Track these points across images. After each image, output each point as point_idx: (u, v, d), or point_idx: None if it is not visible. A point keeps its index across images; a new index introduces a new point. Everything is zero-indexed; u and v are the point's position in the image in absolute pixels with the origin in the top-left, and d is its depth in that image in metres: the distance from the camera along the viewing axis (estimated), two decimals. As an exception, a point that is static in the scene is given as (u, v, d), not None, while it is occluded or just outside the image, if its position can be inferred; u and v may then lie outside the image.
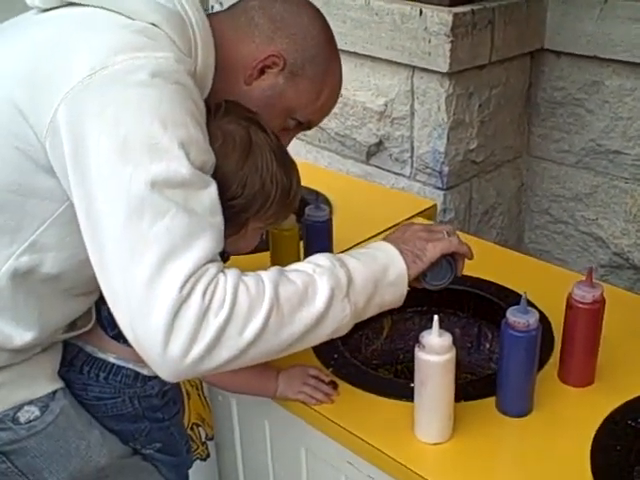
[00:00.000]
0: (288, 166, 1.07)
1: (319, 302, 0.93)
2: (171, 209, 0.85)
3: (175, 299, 0.83)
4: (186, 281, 0.84)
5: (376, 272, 1.00)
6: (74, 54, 0.89)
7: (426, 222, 1.65)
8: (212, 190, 0.91)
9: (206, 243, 0.87)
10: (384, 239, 1.09)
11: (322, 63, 1.11)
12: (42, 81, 0.90)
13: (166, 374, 0.88)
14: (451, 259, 1.10)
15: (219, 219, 0.91)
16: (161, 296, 0.83)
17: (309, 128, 1.18)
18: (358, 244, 1.54)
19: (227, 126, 1.01)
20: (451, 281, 1.12)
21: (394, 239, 1.07)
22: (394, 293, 1.03)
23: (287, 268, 0.96)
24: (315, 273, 0.94)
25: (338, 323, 0.96)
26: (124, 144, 0.85)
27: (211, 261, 0.87)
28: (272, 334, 0.89)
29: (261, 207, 1.03)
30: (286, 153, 1.09)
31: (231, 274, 0.88)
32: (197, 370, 0.87)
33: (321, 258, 0.98)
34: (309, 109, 1.13)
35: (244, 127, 1.03)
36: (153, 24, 0.94)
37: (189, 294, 0.84)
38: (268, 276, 0.91)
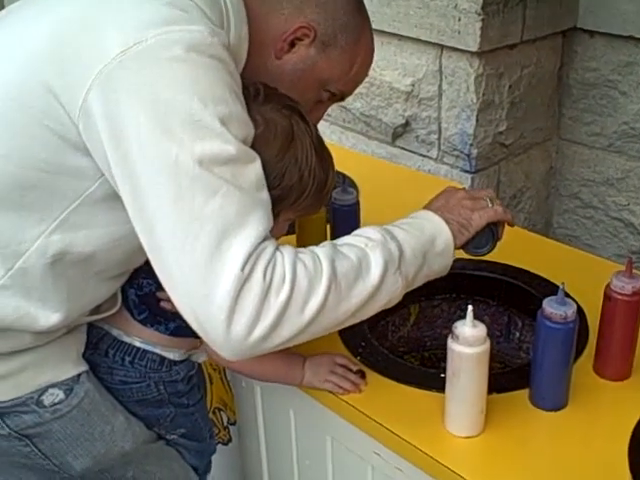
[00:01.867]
0: (325, 159, 1.04)
1: (373, 276, 0.92)
2: (222, 187, 0.84)
3: (237, 279, 0.82)
4: (247, 260, 0.83)
5: (425, 243, 1.00)
6: (105, 30, 0.86)
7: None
8: (257, 164, 0.90)
9: (259, 219, 0.86)
10: (428, 207, 1.08)
11: (354, 31, 1.07)
12: (73, 59, 0.86)
13: (229, 354, 0.88)
14: (493, 226, 1.09)
15: (266, 194, 0.90)
16: (223, 276, 0.82)
17: (342, 99, 1.15)
18: (385, 228, 1.51)
19: (269, 114, 0.97)
20: (494, 248, 1.12)
21: (439, 207, 1.07)
22: (441, 263, 1.03)
23: (338, 242, 0.96)
24: (367, 247, 0.94)
25: (391, 295, 0.96)
26: (165, 123, 0.83)
27: (266, 238, 0.87)
28: (330, 310, 0.89)
29: (296, 200, 1.00)
30: (324, 145, 1.06)
31: (287, 252, 0.88)
32: (260, 349, 0.87)
33: (371, 231, 0.97)
34: (342, 80, 1.10)
35: (286, 116, 0.99)
36: None
37: (250, 273, 0.83)
38: (323, 252, 0.91)
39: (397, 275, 0.95)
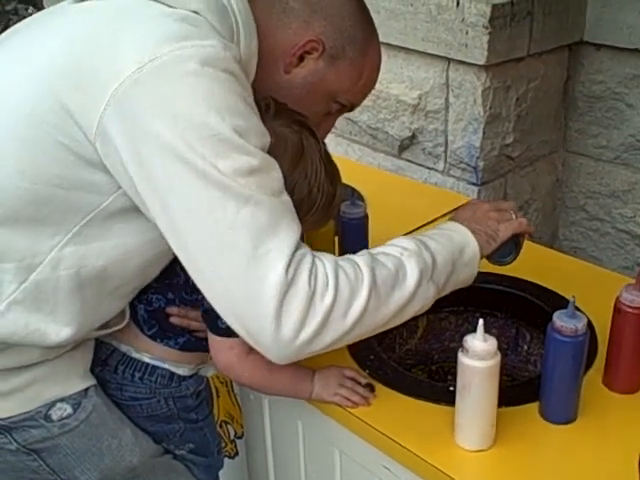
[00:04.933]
0: (333, 174, 1.06)
1: (410, 284, 0.96)
2: (250, 196, 0.86)
3: (282, 283, 0.85)
4: (289, 264, 0.86)
5: (454, 253, 1.04)
6: (119, 47, 0.87)
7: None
8: (278, 169, 0.92)
9: (289, 223, 0.89)
10: (455, 219, 1.12)
11: (361, 43, 1.08)
12: (88, 77, 0.87)
13: (276, 356, 0.91)
14: (515, 237, 1.14)
15: (288, 198, 0.92)
16: (267, 281, 0.85)
17: (351, 110, 1.16)
18: (392, 241, 1.51)
19: (279, 128, 0.98)
20: (516, 257, 1.17)
21: (466, 219, 1.10)
22: (467, 273, 1.07)
23: (374, 251, 0.99)
24: (403, 256, 0.98)
25: (423, 302, 1.00)
26: (185, 139, 0.84)
27: (300, 244, 0.89)
28: (371, 316, 0.93)
29: (305, 214, 1.00)
30: (332, 160, 1.07)
31: (328, 259, 0.91)
32: (305, 352, 0.90)
33: (405, 241, 1.01)
34: (351, 91, 1.11)
35: (296, 131, 1.00)
36: (195, 12, 0.92)
37: (295, 278, 0.86)
38: (363, 260, 0.94)
39: (430, 283, 0.99)
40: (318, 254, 0.92)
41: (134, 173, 0.86)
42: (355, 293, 0.91)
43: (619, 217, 1.97)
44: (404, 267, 0.97)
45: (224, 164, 0.84)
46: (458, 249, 1.04)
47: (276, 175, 0.91)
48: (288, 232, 0.88)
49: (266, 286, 0.85)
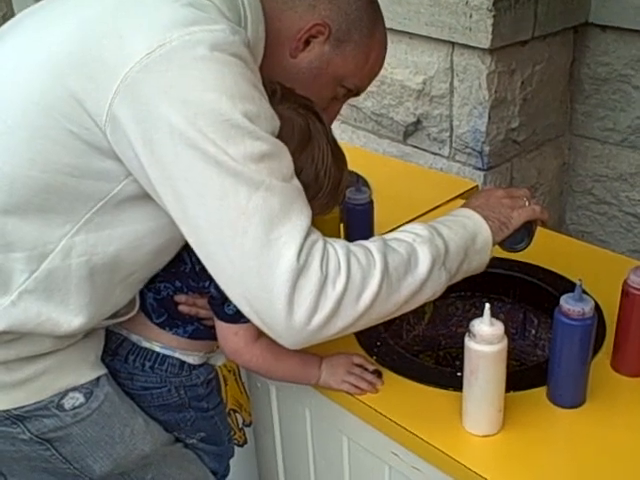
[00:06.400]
0: (340, 158, 1.06)
1: (421, 271, 0.96)
2: (262, 181, 0.86)
3: (294, 269, 0.85)
4: (300, 250, 0.86)
5: (467, 240, 1.03)
6: (127, 33, 0.86)
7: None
8: (289, 156, 0.92)
9: (301, 208, 0.89)
10: (468, 205, 1.11)
11: (367, 26, 1.07)
12: (96, 64, 0.86)
13: (287, 342, 0.91)
14: (528, 224, 1.13)
15: (299, 183, 0.92)
16: (278, 266, 0.85)
17: (358, 94, 1.16)
18: (398, 227, 1.50)
19: (285, 112, 0.97)
20: (529, 244, 1.16)
21: (479, 205, 1.10)
22: (479, 260, 1.06)
23: (387, 237, 0.99)
24: (415, 242, 0.98)
25: (435, 289, 1.00)
26: (197, 124, 0.83)
27: (312, 229, 0.89)
28: (382, 302, 0.93)
29: (311, 199, 1.00)
30: (338, 145, 1.07)
31: (339, 244, 0.92)
32: (317, 337, 0.91)
33: (418, 227, 1.01)
34: (358, 75, 1.11)
35: (302, 115, 1.00)
36: None
37: (306, 264, 0.86)
38: (375, 246, 0.94)
39: (442, 270, 0.99)
40: (330, 240, 0.91)
41: (145, 160, 0.86)
42: (367, 279, 0.91)
43: (626, 200, 1.97)
44: (416, 253, 0.96)
45: (235, 150, 0.84)
46: (471, 236, 1.04)
47: (286, 160, 0.91)
48: (300, 217, 0.88)
49: (278, 272, 0.85)
